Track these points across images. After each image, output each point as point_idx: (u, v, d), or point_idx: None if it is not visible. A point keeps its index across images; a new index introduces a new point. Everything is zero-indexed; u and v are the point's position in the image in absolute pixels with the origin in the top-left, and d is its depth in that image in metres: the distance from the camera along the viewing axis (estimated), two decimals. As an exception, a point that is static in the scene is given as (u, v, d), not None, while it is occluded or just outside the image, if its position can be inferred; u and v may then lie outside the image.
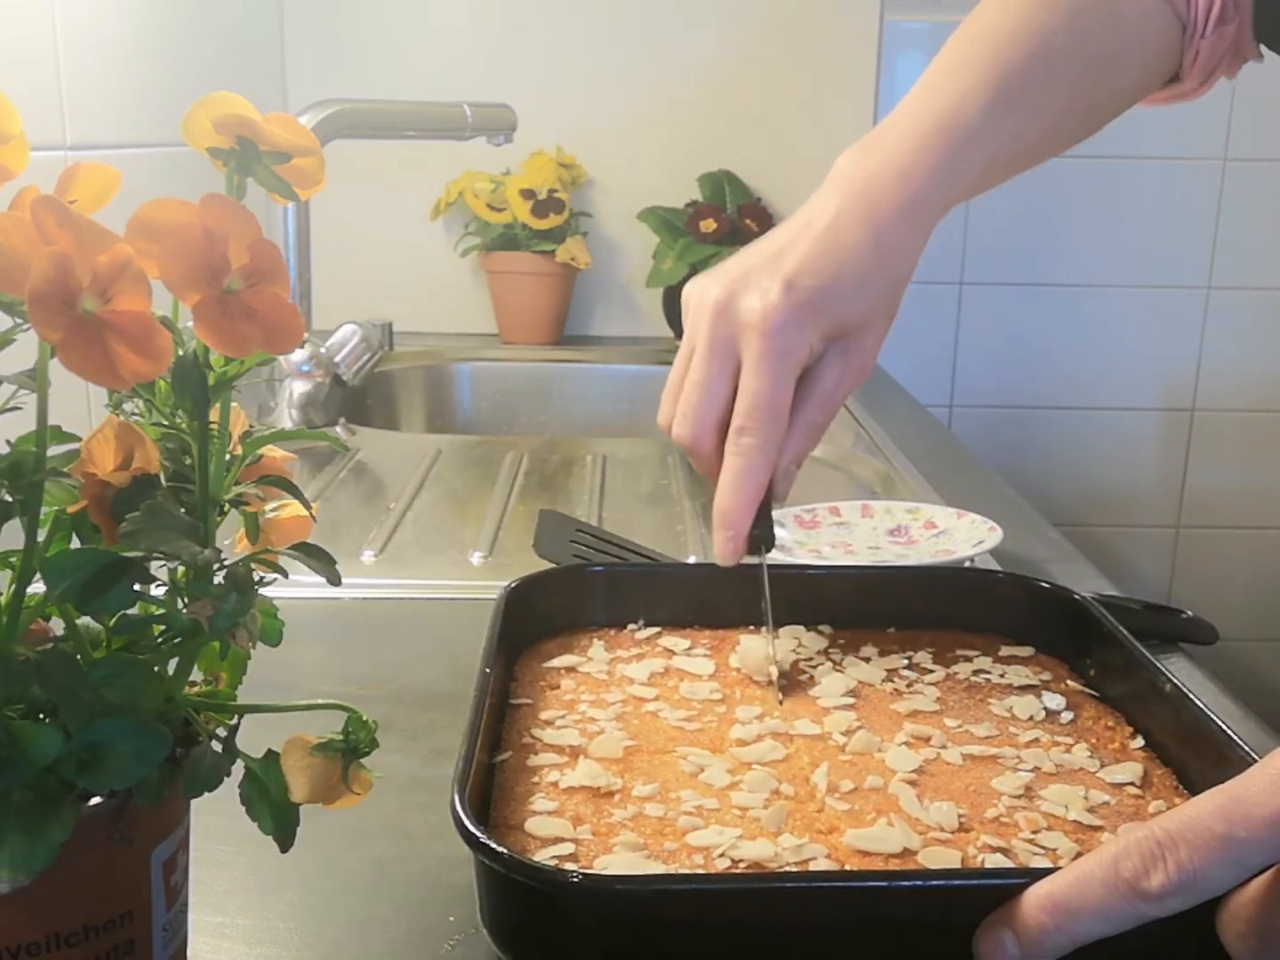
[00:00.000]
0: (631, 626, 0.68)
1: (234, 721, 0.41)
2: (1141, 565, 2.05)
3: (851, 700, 0.60)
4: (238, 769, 0.40)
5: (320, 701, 0.41)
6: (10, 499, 0.35)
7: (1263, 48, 0.72)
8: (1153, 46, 0.70)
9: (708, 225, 1.70)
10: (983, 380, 1.98)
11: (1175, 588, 2.06)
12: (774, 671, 0.61)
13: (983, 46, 0.66)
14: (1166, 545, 2.05)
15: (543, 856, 0.46)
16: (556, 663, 0.64)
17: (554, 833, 0.48)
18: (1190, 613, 0.79)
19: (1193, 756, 0.53)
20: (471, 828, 0.43)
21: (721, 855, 0.46)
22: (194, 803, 0.40)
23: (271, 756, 0.40)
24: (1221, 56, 0.71)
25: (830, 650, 0.66)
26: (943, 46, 0.68)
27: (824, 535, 0.92)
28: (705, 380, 0.62)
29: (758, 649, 0.64)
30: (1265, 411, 2.00)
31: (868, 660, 0.65)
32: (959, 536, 0.89)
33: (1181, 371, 1.98)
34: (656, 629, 0.68)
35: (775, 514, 0.93)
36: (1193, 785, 0.53)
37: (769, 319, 0.60)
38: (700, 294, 0.62)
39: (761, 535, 0.64)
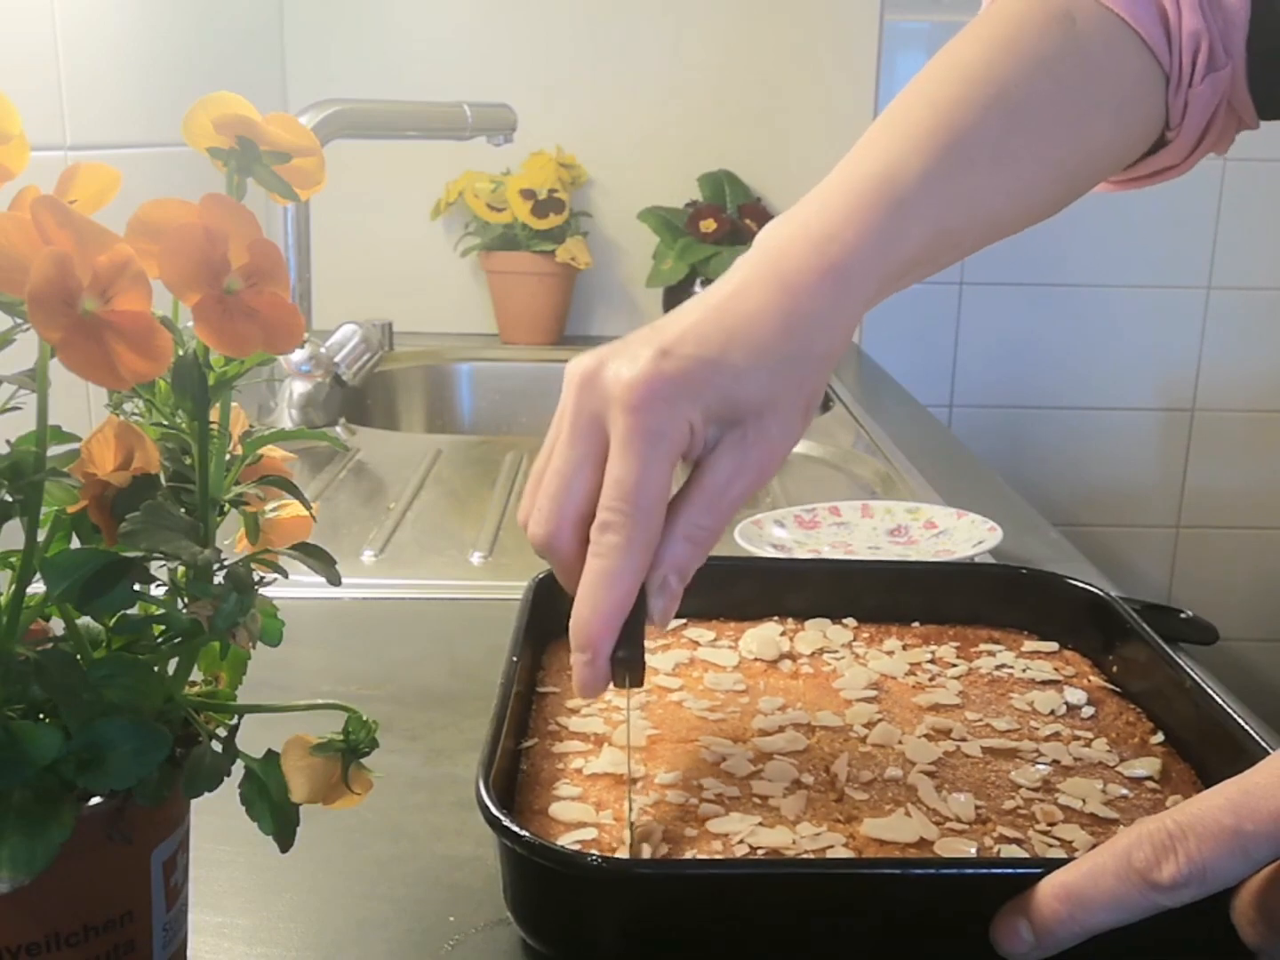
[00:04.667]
0: None
1: (234, 721, 0.41)
2: (1141, 565, 2.05)
3: (874, 693, 0.61)
4: (238, 769, 0.40)
5: (320, 701, 0.41)
6: (10, 499, 0.35)
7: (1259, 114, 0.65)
8: (1132, 98, 0.62)
9: (708, 225, 1.70)
10: (983, 380, 1.98)
11: (1175, 588, 2.06)
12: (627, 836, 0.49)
13: (930, 100, 0.58)
14: (1166, 545, 2.05)
15: (566, 841, 0.47)
16: None
17: (577, 817, 0.49)
18: (1190, 613, 0.79)
19: (1212, 752, 0.54)
20: (495, 811, 0.44)
21: (740, 842, 0.47)
22: (194, 803, 0.40)
23: (271, 756, 0.40)
24: (1214, 112, 0.64)
25: (854, 644, 0.67)
26: (897, 94, 0.60)
27: (824, 535, 0.92)
28: (565, 467, 0.51)
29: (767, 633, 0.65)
30: (1265, 411, 2.00)
31: (891, 654, 0.65)
32: (959, 536, 0.89)
33: (1181, 371, 1.98)
34: (682, 620, 0.69)
35: (774, 514, 0.94)
36: (1211, 781, 0.53)
37: (635, 390, 0.49)
38: (572, 365, 0.53)
39: (627, 659, 0.48)
